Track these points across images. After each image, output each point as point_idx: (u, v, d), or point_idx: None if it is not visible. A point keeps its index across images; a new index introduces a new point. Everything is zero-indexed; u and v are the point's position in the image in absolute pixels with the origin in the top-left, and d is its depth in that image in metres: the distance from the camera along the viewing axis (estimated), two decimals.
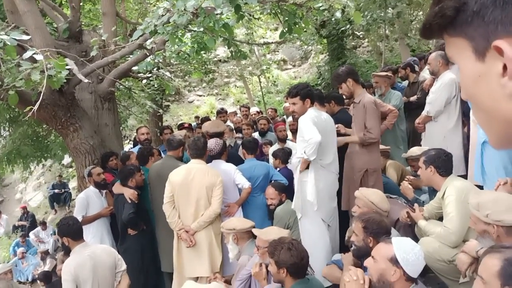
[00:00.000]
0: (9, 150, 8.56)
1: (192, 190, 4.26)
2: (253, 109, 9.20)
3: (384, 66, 8.28)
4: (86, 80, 4.73)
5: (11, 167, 9.25)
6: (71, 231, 3.64)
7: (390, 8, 9.59)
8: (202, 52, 9.20)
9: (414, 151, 4.67)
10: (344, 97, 4.84)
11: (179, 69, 12.06)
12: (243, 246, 3.88)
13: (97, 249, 3.78)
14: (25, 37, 3.65)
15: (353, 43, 17.04)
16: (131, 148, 7.58)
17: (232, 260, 3.97)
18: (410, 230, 3.61)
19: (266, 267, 3.21)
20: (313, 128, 3.78)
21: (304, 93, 4.02)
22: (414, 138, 6.01)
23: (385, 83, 6.12)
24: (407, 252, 2.23)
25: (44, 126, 8.71)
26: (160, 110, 10.29)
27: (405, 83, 6.94)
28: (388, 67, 7.28)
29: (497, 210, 2.39)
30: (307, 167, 3.96)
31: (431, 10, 0.66)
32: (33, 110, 3.50)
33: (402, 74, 6.75)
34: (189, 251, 4.33)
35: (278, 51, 20.97)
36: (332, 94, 5.32)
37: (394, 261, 2.22)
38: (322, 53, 16.88)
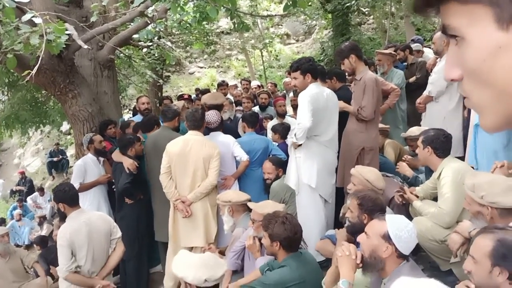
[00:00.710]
0: (7, 114, 8.53)
1: (190, 161, 4.26)
2: (254, 83, 9.14)
3: (388, 44, 8.20)
4: (85, 46, 4.67)
5: (9, 132, 9.23)
6: (67, 197, 3.64)
7: None
8: (204, 23, 9.08)
9: (413, 131, 4.65)
10: (346, 73, 4.79)
11: (180, 39, 11.90)
12: (238, 218, 3.91)
13: (93, 216, 3.80)
14: (24, 0, 3.58)
15: (358, 20, 16.81)
16: (131, 117, 7.57)
17: (227, 232, 4.01)
18: (404, 209, 3.63)
19: (260, 240, 3.25)
20: (306, 111, 3.78)
21: (305, 67, 3.99)
22: (414, 118, 5.99)
23: (388, 61, 6.06)
24: (400, 229, 2.24)
25: (43, 92, 8.65)
26: (160, 80, 10.20)
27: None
28: (392, 45, 7.20)
29: (492, 192, 2.40)
30: (300, 144, 3.97)
31: None
32: (31, 74, 3.46)
33: (401, 56, 6.69)
34: (184, 221, 4.36)
35: (281, 25, 20.68)
36: (334, 70, 5.27)
37: (387, 237, 2.24)
38: (326, 29, 16.66)
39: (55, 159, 13.74)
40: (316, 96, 3.87)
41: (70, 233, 3.54)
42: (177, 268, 2.91)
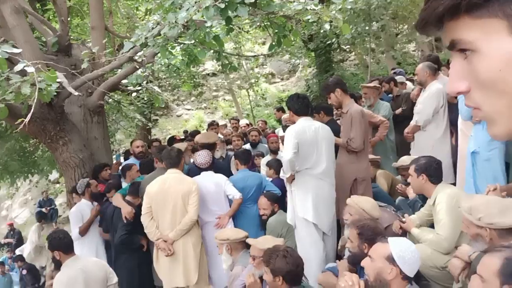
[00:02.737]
0: None
1: (168, 198, 4.27)
2: (243, 122, 9.26)
3: (371, 77, 8.40)
4: (76, 93, 4.72)
5: None
6: (62, 244, 3.58)
7: (374, 22, 9.75)
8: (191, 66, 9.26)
9: (404, 160, 4.70)
10: (333, 107, 4.89)
11: (167, 83, 12.07)
12: (237, 256, 3.87)
13: (88, 263, 3.72)
14: (16, 50, 3.64)
15: (340, 57, 17.26)
16: (124, 161, 7.55)
17: (226, 270, 3.95)
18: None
19: (260, 278, 3.20)
20: (289, 145, 3.88)
21: (288, 104, 4.25)
22: (403, 148, 6.07)
23: (374, 94, 6.20)
24: (403, 251, 2.25)
25: (31, 141, 8.63)
26: (149, 124, 10.27)
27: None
28: (375, 78, 7.38)
29: (490, 213, 2.42)
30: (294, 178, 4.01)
31: None
32: (24, 122, 3.47)
33: (386, 88, 6.85)
34: (165, 261, 4.31)
35: (266, 65, 21.13)
36: (322, 105, 5.38)
37: (391, 259, 2.25)
38: (310, 67, 17.06)
39: (43, 209, 13.48)
40: (302, 129, 3.96)
41: (66, 281, 3.46)
42: None
